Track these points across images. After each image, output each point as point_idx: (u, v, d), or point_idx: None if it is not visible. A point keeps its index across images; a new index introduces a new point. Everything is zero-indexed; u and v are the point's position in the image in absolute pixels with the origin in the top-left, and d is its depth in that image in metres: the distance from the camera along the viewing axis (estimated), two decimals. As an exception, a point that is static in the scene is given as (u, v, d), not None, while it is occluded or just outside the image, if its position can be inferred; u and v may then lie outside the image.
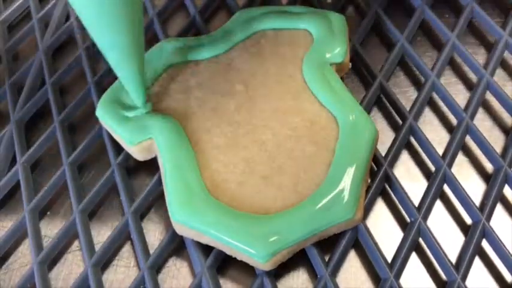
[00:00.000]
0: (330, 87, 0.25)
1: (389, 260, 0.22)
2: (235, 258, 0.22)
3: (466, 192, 0.23)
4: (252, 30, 0.28)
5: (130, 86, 0.24)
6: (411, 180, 0.25)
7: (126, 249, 0.24)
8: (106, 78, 0.29)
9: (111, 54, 0.23)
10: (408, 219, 0.23)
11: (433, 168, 0.25)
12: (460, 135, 0.25)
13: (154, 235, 0.24)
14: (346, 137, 0.23)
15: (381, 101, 0.27)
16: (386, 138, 0.26)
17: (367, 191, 0.23)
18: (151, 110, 0.25)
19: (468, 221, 0.23)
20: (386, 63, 0.28)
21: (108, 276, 0.23)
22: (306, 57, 0.26)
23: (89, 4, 0.21)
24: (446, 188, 0.24)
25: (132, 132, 0.25)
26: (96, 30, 0.22)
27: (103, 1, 0.21)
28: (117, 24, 0.21)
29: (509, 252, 0.22)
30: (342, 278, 0.22)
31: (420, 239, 0.23)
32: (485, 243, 0.22)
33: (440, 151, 0.25)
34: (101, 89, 0.28)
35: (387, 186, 0.24)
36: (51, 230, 0.25)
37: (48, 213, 0.26)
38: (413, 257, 0.23)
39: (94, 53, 0.31)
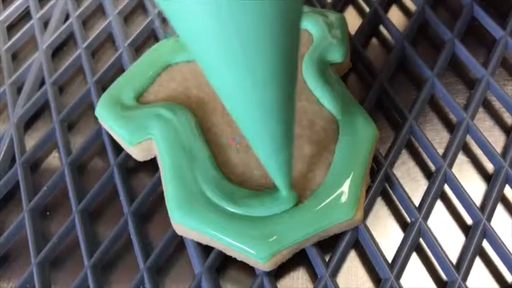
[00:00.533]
0: (330, 87, 0.25)
1: (389, 260, 0.22)
2: (235, 259, 0.22)
3: (466, 192, 0.23)
4: (252, 30, 0.28)
5: (277, 170, 0.21)
6: (411, 180, 0.25)
7: (126, 249, 0.24)
8: (106, 78, 0.29)
9: (263, 143, 0.20)
10: (409, 220, 0.23)
11: (433, 168, 0.25)
12: (461, 135, 0.25)
13: (154, 235, 0.24)
14: (346, 137, 0.23)
15: (380, 101, 0.27)
16: (386, 138, 0.26)
17: (367, 191, 0.23)
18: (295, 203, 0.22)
19: (469, 221, 0.23)
20: (387, 63, 0.28)
21: (108, 276, 0.23)
22: (306, 57, 0.26)
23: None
24: (446, 188, 0.24)
25: (132, 132, 0.25)
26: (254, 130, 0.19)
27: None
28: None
29: (510, 253, 0.22)
30: (342, 278, 0.22)
31: (421, 239, 0.23)
32: (485, 244, 0.22)
33: (441, 151, 0.25)
34: (101, 89, 0.28)
35: (387, 186, 0.24)
36: (51, 230, 0.25)
37: (48, 213, 0.26)
38: (414, 257, 0.23)
39: (93, 54, 0.31)
